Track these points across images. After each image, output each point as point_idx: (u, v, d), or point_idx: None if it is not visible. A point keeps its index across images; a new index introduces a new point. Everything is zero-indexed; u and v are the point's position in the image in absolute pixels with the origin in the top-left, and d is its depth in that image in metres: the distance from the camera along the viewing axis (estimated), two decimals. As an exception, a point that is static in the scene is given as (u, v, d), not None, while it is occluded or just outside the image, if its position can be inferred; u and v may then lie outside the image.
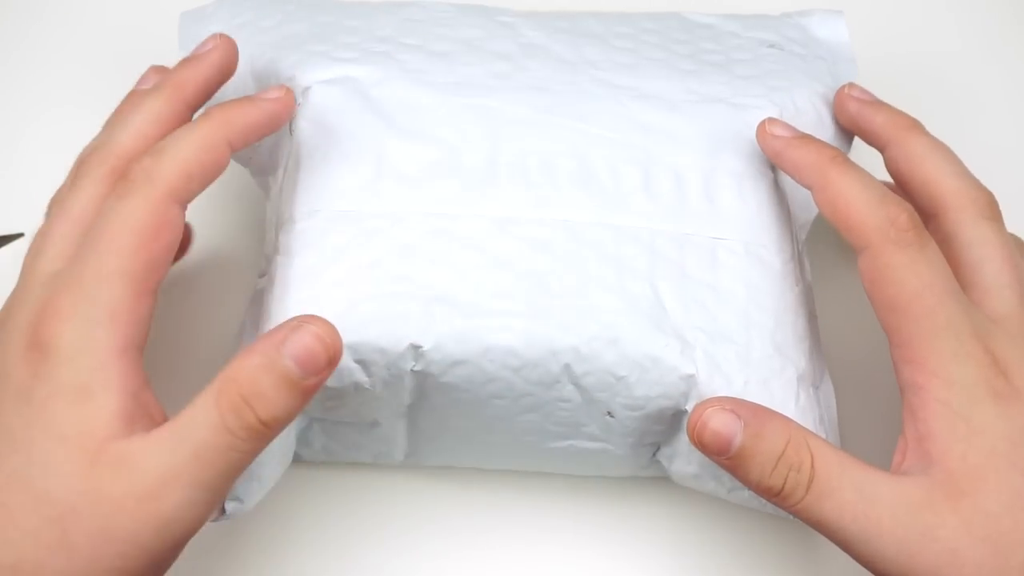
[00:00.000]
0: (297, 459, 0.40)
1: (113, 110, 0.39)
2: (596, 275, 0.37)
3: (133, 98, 0.39)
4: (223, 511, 0.37)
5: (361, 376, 0.36)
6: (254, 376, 0.32)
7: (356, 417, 0.39)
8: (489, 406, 0.37)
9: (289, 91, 0.38)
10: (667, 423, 0.38)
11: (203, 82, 0.39)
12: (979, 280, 0.37)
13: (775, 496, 0.34)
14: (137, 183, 0.35)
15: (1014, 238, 0.40)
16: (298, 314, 0.36)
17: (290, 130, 0.41)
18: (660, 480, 0.41)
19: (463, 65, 0.42)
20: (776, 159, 0.39)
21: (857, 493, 0.34)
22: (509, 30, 0.44)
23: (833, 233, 0.48)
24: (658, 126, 0.41)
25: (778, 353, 0.38)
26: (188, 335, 0.45)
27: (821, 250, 0.47)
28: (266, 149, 0.43)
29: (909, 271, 0.35)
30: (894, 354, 0.36)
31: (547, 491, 0.42)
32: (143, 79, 0.40)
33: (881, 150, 0.41)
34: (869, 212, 0.36)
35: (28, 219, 0.47)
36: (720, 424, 0.34)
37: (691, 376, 0.36)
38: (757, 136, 0.40)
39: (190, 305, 0.45)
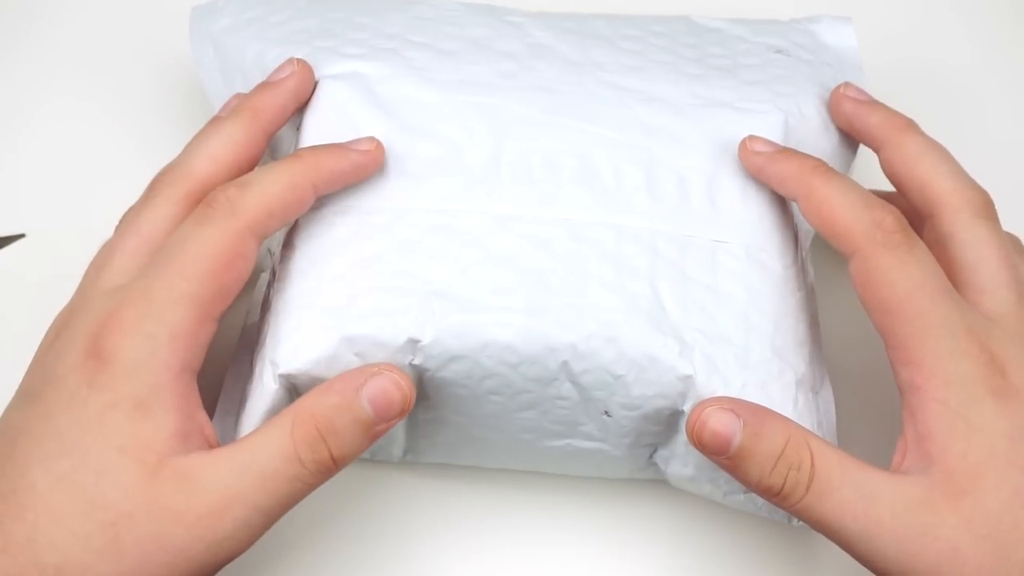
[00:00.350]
0: (296, 453, 0.41)
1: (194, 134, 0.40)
2: (596, 274, 0.37)
3: (213, 124, 0.39)
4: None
5: (359, 370, 0.36)
6: (331, 414, 0.33)
7: (355, 411, 0.39)
8: (486, 402, 0.37)
9: (379, 145, 0.39)
10: (664, 424, 0.37)
11: (279, 108, 0.39)
12: (975, 280, 0.37)
13: (775, 496, 0.34)
14: (219, 212, 0.35)
15: (1011, 237, 0.40)
16: (300, 307, 0.37)
17: (296, 125, 0.41)
18: (657, 482, 0.41)
19: (470, 64, 0.42)
20: (759, 175, 0.40)
21: (857, 492, 0.34)
22: (517, 30, 0.44)
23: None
24: (663, 128, 0.41)
25: (777, 357, 0.38)
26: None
27: (825, 256, 0.46)
28: (272, 143, 0.43)
29: (899, 272, 0.35)
30: (891, 356, 0.36)
31: (544, 491, 0.42)
32: (225, 106, 0.41)
33: (876, 150, 0.41)
34: (854, 217, 0.36)
35: (28, 219, 0.48)
36: (719, 423, 0.34)
37: (689, 377, 0.36)
38: (739, 154, 0.40)
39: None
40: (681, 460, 0.38)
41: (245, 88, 0.43)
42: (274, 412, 0.36)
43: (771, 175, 0.39)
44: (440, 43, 0.43)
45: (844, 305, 0.46)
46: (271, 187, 0.36)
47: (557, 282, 0.37)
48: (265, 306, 0.39)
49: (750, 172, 0.40)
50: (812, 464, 0.34)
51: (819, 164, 0.38)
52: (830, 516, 0.34)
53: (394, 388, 0.34)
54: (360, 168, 0.38)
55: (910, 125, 0.40)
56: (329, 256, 0.37)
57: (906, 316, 0.35)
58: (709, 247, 0.39)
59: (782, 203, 0.40)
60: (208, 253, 0.35)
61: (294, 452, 0.33)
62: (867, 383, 0.44)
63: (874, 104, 0.42)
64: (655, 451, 0.39)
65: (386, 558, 0.41)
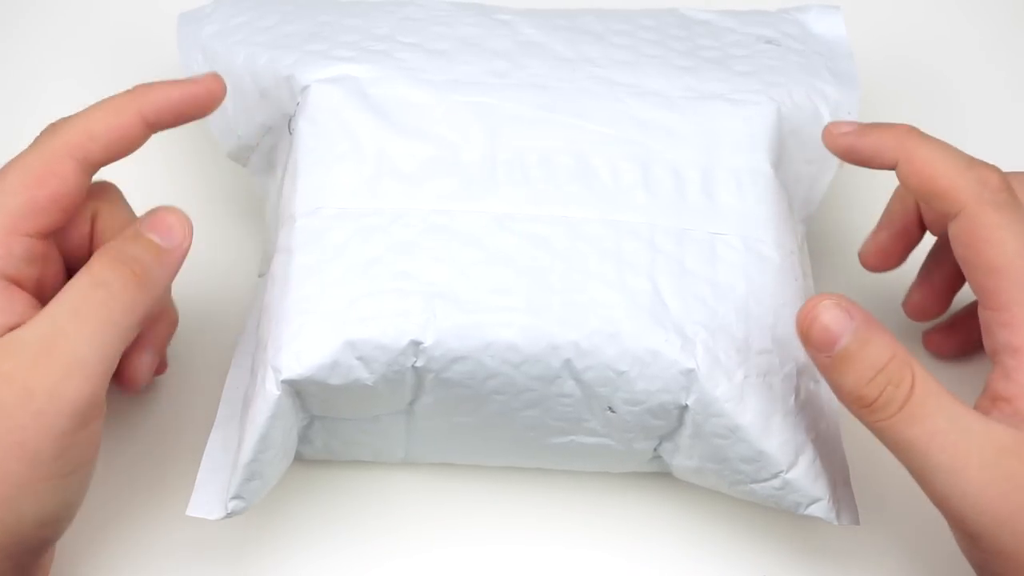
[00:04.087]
0: (299, 457, 0.41)
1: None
2: (596, 270, 0.37)
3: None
4: (226, 510, 0.37)
5: (362, 373, 0.36)
6: (120, 246, 0.35)
7: (357, 415, 0.39)
8: (490, 402, 0.37)
9: (216, 77, 0.38)
10: (668, 418, 0.38)
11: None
12: None
13: (866, 407, 0.34)
14: (41, 137, 0.37)
15: None
16: (300, 312, 0.37)
17: (289, 129, 0.41)
18: (661, 475, 0.41)
19: (461, 63, 0.42)
20: (850, 154, 0.39)
21: (951, 424, 0.34)
22: (507, 28, 0.44)
23: (832, 228, 0.48)
24: (656, 122, 0.41)
25: (778, 347, 0.38)
26: (189, 336, 0.45)
27: (821, 246, 0.47)
28: (265, 148, 0.43)
29: (1008, 231, 0.35)
30: (986, 318, 0.36)
31: (548, 487, 0.42)
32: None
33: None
34: (959, 175, 0.36)
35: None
36: (832, 319, 0.34)
37: (691, 371, 0.36)
38: (825, 140, 0.40)
39: (191, 306, 0.45)
40: (686, 452, 0.38)
41: (235, 93, 0.43)
42: (278, 418, 0.36)
43: (864, 148, 0.38)
44: (431, 43, 0.43)
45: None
46: (94, 112, 0.37)
47: (557, 280, 0.37)
48: (263, 312, 0.39)
49: (839, 154, 0.39)
50: (912, 386, 0.34)
51: (912, 128, 0.38)
52: (918, 441, 0.34)
53: (168, 215, 0.36)
54: (193, 98, 0.38)
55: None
56: (327, 260, 0.37)
57: (1013, 277, 0.35)
58: (707, 240, 0.39)
59: (778, 193, 0.41)
60: (21, 168, 0.36)
61: (95, 278, 0.34)
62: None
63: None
64: (659, 444, 0.39)
65: (389, 557, 0.41)
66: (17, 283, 0.35)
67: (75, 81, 0.51)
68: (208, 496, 0.37)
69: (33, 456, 0.33)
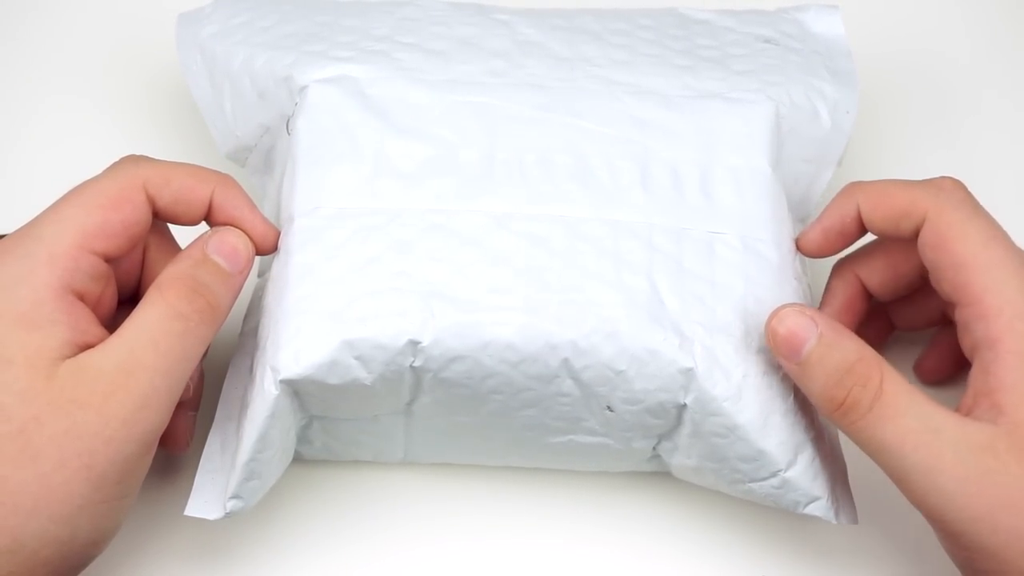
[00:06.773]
0: (298, 457, 0.41)
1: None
2: (594, 270, 0.37)
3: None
4: (225, 510, 0.37)
5: (360, 373, 0.36)
6: (190, 272, 0.36)
7: (356, 415, 0.39)
8: (488, 401, 0.37)
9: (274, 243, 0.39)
10: (666, 417, 0.38)
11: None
12: None
13: (836, 410, 0.35)
14: (122, 163, 0.37)
15: None
16: (299, 312, 0.37)
17: (288, 129, 0.41)
18: (661, 475, 0.42)
19: (459, 63, 0.42)
20: (826, 238, 0.40)
21: (922, 423, 0.34)
22: (505, 27, 0.44)
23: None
24: (655, 121, 0.41)
25: (777, 346, 0.38)
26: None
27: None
28: (263, 149, 0.43)
29: (970, 225, 0.36)
30: (962, 316, 0.36)
31: (548, 487, 0.42)
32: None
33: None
34: (913, 189, 0.37)
35: (17, 221, 0.47)
36: (795, 325, 0.35)
37: (690, 370, 0.36)
38: (803, 252, 0.40)
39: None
40: (685, 451, 0.38)
41: (233, 94, 0.43)
42: (276, 418, 0.36)
43: (831, 226, 0.39)
44: (429, 43, 0.43)
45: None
46: (177, 165, 0.37)
47: (555, 279, 0.37)
48: (263, 312, 0.39)
49: (818, 252, 0.40)
50: (880, 386, 0.34)
51: (853, 181, 0.39)
52: (890, 441, 0.34)
53: (234, 238, 0.37)
54: (251, 226, 0.38)
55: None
56: (326, 260, 0.37)
57: (982, 266, 0.35)
58: (705, 239, 0.39)
59: (776, 192, 0.41)
60: (99, 189, 0.36)
61: (173, 310, 0.34)
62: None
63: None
64: (658, 443, 0.39)
65: (388, 557, 0.41)
66: (81, 298, 0.35)
67: (74, 81, 0.51)
68: (207, 496, 0.37)
69: (99, 479, 0.33)
